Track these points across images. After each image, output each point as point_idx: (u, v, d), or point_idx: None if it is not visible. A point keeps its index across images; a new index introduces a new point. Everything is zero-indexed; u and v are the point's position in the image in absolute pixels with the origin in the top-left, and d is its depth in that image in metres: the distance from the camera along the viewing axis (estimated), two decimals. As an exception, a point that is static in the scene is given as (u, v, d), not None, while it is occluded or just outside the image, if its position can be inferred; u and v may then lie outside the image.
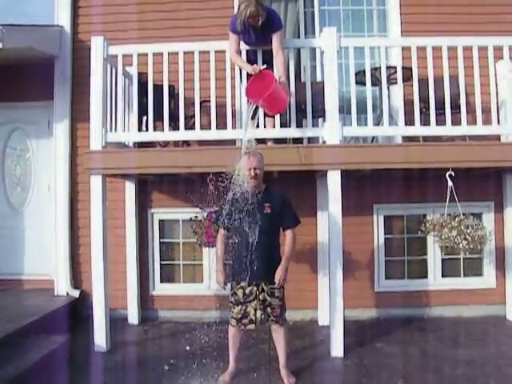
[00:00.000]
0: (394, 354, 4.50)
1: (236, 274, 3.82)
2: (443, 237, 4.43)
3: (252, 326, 3.78)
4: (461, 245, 4.33)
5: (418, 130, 4.62)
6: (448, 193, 4.54)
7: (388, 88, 4.71)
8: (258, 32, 4.43)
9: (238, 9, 4.36)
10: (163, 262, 5.96)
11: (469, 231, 4.35)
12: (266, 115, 4.58)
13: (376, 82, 4.75)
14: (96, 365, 4.33)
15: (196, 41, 4.83)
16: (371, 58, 4.73)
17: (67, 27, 6.00)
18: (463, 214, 4.49)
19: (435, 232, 4.56)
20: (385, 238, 5.82)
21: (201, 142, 5.08)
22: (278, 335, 3.87)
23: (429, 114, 4.56)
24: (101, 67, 4.60)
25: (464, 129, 4.60)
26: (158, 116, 4.65)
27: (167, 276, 5.97)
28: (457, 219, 4.45)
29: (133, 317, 5.67)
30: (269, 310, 3.74)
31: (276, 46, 4.42)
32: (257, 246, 3.67)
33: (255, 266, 3.66)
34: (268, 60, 4.46)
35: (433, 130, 4.58)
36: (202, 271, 5.91)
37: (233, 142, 5.14)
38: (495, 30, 5.34)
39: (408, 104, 4.59)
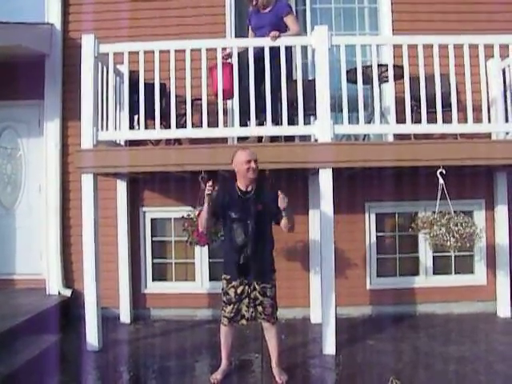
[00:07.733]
0: (385, 351, 4.52)
1: (228, 270, 3.81)
2: (432, 234, 4.43)
3: (244, 322, 3.78)
4: (449, 242, 4.33)
5: (409, 127, 4.63)
6: (439, 190, 4.56)
7: (379, 86, 4.71)
8: (266, 15, 5.03)
9: None
10: (155, 261, 5.94)
11: (457, 229, 4.34)
12: None
13: (367, 80, 4.75)
14: (88, 364, 4.31)
15: (187, 39, 4.82)
16: (363, 56, 4.74)
17: (58, 25, 5.96)
18: (454, 212, 4.49)
19: (425, 230, 4.57)
20: (377, 236, 5.84)
21: (192, 141, 5.06)
22: (270, 334, 3.87)
23: (420, 112, 4.57)
24: (92, 65, 4.57)
25: (455, 127, 4.60)
26: (150, 114, 4.62)
27: (159, 274, 5.96)
28: (446, 217, 4.45)
29: (125, 315, 5.65)
30: (260, 308, 3.74)
31: (289, 23, 4.96)
32: (249, 243, 3.67)
33: (247, 264, 3.66)
34: (275, 54, 4.53)
35: (424, 128, 4.59)
36: (194, 269, 5.90)
37: (224, 140, 5.13)
38: (486, 28, 5.37)
39: (399, 102, 4.59)
